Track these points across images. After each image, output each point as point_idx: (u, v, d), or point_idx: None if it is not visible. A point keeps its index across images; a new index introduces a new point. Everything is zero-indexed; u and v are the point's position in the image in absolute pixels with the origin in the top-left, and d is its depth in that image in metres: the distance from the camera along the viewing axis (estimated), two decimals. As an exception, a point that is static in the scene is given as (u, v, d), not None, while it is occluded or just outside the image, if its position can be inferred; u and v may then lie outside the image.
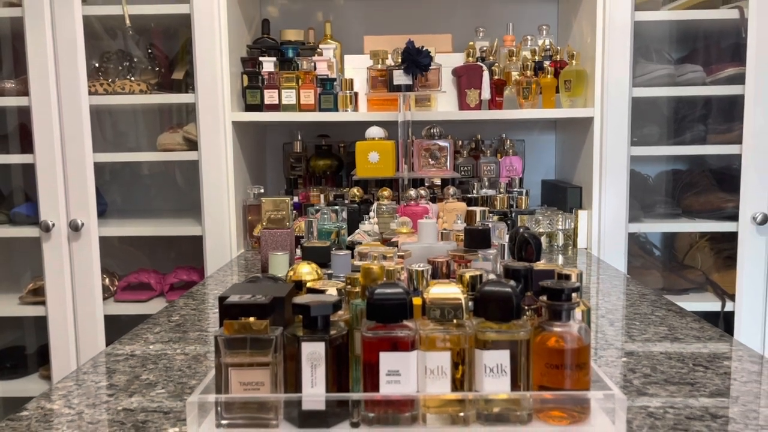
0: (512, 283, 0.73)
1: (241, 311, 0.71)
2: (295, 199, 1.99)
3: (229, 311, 0.71)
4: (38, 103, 1.79)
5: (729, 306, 1.82)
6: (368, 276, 0.81)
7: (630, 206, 1.83)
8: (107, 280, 1.95)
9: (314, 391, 0.70)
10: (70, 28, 1.77)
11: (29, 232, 1.86)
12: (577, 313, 0.74)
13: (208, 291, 1.42)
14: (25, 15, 1.76)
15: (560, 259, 1.73)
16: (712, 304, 1.84)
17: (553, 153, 2.25)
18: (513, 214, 1.85)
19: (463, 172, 2.00)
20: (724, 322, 1.83)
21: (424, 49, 1.66)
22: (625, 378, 0.89)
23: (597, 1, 1.77)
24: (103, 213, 2.03)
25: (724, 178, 1.96)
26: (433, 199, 1.76)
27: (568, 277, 0.79)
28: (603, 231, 1.82)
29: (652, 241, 2.10)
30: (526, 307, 0.78)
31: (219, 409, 0.70)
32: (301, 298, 0.73)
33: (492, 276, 0.93)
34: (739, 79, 1.78)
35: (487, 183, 1.93)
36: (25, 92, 1.80)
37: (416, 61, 1.65)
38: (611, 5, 1.76)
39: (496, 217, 1.76)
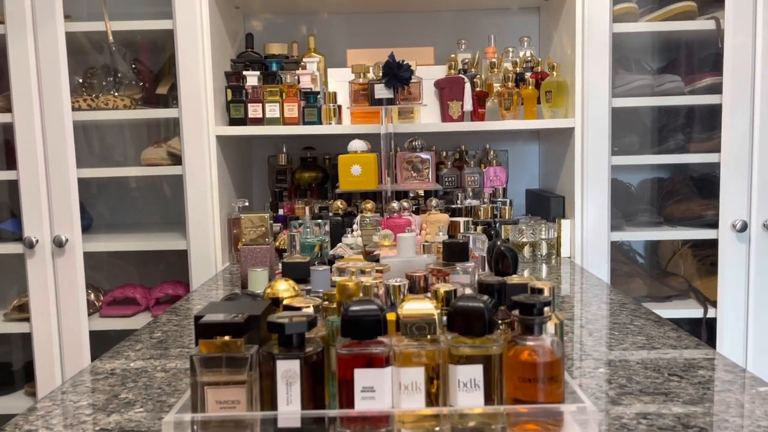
0: (485, 297, 0.74)
1: (216, 330, 0.72)
2: (281, 211, 2.00)
3: (204, 330, 0.72)
4: (21, 119, 1.79)
5: (711, 312, 1.84)
6: (344, 292, 0.82)
7: (612, 215, 1.85)
8: (92, 296, 1.95)
9: (290, 409, 0.71)
10: (53, 45, 1.78)
11: (14, 248, 1.85)
12: (550, 326, 0.75)
13: (192, 306, 1.43)
14: (8, 31, 1.77)
15: (543, 269, 1.74)
16: (694, 311, 1.86)
17: (536, 163, 2.27)
18: (497, 224, 1.86)
19: (447, 183, 2.01)
20: (706, 329, 1.84)
21: (405, 63, 1.68)
22: (601, 389, 0.90)
23: (576, 13, 1.80)
24: (88, 228, 2.03)
25: (705, 186, 1.98)
26: (417, 211, 1.77)
27: (540, 291, 0.80)
28: (586, 240, 1.84)
29: (635, 248, 2.12)
30: (499, 321, 0.79)
31: (195, 427, 0.71)
32: (276, 316, 0.74)
33: (469, 290, 0.94)
34: (717, 89, 1.80)
35: (471, 193, 1.95)
36: (8, 108, 1.80)
37: (397, 75, 1.66)
38: (590, 17, 1.78)
39: (479, 228, 1.77)
